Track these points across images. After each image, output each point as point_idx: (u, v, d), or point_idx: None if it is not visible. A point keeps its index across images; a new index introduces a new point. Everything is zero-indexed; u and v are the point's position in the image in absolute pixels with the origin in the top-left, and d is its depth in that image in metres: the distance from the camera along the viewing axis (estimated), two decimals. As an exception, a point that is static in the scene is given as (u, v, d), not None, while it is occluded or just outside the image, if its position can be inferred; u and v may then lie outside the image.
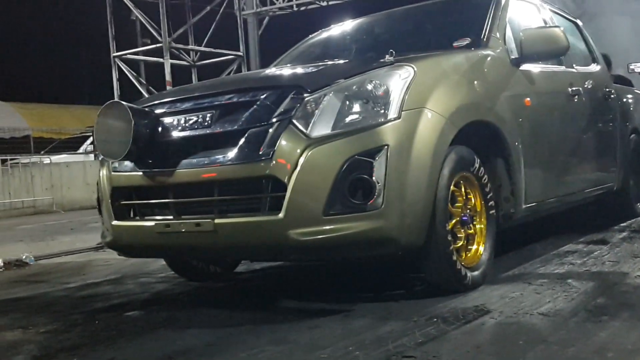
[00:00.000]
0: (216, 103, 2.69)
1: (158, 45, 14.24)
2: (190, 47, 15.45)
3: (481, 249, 2.89)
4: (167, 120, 2.77)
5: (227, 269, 3.67)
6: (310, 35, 4.56)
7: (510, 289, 2.76)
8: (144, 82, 15.20)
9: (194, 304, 3.09)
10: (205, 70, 15.56)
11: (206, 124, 2.65)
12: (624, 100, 4.97)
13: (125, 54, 15.00)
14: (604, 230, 4.30)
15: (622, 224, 4.55)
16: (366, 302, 2.71)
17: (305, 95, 2.50)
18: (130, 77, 14.86)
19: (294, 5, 17.37)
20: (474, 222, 2.90)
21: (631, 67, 3.91)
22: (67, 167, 12.90)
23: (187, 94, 2.89)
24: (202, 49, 15.34)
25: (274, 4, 17.50)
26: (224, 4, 15.52)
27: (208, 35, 15.45)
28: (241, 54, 15.34)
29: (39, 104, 20.94)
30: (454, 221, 2.75)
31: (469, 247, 2.87)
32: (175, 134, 2.71)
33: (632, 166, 4.89)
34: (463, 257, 2.80)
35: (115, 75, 14.71)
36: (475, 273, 2.80)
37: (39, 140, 16.87)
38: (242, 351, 2.16)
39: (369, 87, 2.51)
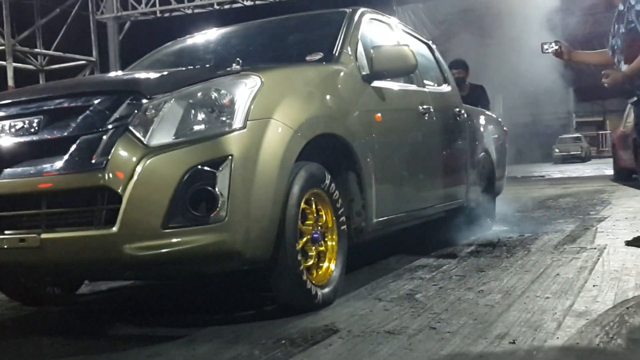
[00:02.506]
0: (45, 108, 2.51)
1: (0, 47, 13.34)
2: (37, 50, 14.60)
3: (332, 266, 2.93)
4: None
5: (67, 290, 3.44)
6: (165, 44, 4.49)
7: (361, 306, 2.81)
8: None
9: (24, 331, 2.87)
10: (55, 75, 14.76)
11: (33, 130, 2.47)
12: (475, 120, 5.32)
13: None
14: (454, 245, 4.55)
15: (471, 238, 4.84)
16: (215, 325, 2.65)
17: (144, 101, 2.41)
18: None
19: (157, 11, 16.97)
20: (325, 239, 2.93)
21: (545, 47, 4.13)
22: None
23: (13, 97, 2.70)
24: (49, 52, 14.55)
25: (136, 8, 17.00)
26: (77, 6, 14.86)
27: (58, 39, 14.70)
28: (94, 59, 14.73)
29: None
30: (304, 239, 2.76)
31: (320, 264, 2.89)
32: (1, 141, 2.52)
33: (482, 183, 5.25)
34: (314, 275, 2.81)
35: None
36: (326, 290, 2.82)
37: None
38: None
39: (214, 95, 2.46)
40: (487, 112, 6.04)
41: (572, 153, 29.42)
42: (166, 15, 17.00)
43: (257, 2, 15.68)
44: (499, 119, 6.30)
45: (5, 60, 13.47)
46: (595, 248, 4.10)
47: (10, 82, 12.95)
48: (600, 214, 6.19)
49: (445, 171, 4.45)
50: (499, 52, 8.80)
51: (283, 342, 2.33)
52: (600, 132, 37.05)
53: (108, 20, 16.77)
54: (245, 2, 15.75)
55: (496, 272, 3.47)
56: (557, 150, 29.82)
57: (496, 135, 5.84)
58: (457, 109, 4.83)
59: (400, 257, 4.11)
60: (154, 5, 16.75)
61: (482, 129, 5.44)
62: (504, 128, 6.29)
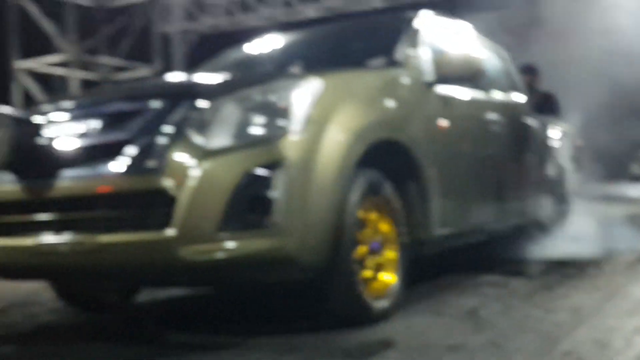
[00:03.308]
0: (104, 111, 2.62)
1: (65, 56, 13.93)
2: (101, 60, 15.17)
3: (391, 278, 2.90)
4: (51, 129, 2.68)
5: (123, 297, 3.55)
6: (226, 50, 4.58)
7: (421, 321, 2.79)
8: (50, 95, 14.77)
9: (79, 337, 2.97)
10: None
11: (93, 133, 2.57)
12: (546, 132, 5.20)
13: (30, 65, 14.60)
14: (522, 262, 4.42)
15: (541, 256, 4.70)
16: (268, 335, 2.68)
17: (201, 104, 2.46)
18: (32, 90, 14.45)
19: (222, 24, 17.35)
20: (385, 250, 2.91)
21: None
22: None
23: (73, 101, 2.81)
24: (113, 62, 15.10)
25: (201, 21, 17.43)
26: (141, 17, 15.37)
27: (122, 49, 15.23)
28: (157, 69, 15.18)
29: None
30: (362, 249, 2.75)
31: (379, 276, 2.88)
32: (59, 143, 2.61)
33: (552, 199, 5.12)
34: (372, 287, 2.80)
35: (16, 87, 14.27)
36: (384, 303, 2.80)
37: None
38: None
39: (271, 97, 2.50)
40: (560, 123, 5.89)
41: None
42: (231, 28, 17.35)
43: (322, 14, 15.84)
44: (574, 131, 6.13)
45: (70, 69, 14.08)
46: (672, 268, 3.95)
47: (76, 91, 13.49)
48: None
49: (513, 185, 4.35)
50: (575, 60, 8.59)
51: (337, 353, 2.33)
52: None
53: (173, 32, 17.27)
54: (310, 14, 15.94)
55: (565, 290, 3.39)
56: (636, 167, 28.73)
57: (569, 148, 5.69)
58: (528, 119, 4.74)
59: (465, 273, 4.05)
60: (218, 18, 17.15)
61: (554, 141, 5.32)
62: (578, 141, 6.12)
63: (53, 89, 15.39)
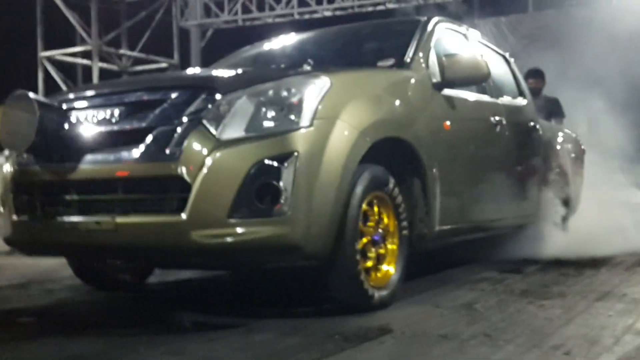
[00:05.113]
0: (126, 100, 2.71)
1: (87, 47, 14.10)
2: (121, 51, 15.33)
3: (391, 269, 2.98)
4: (75, 115, 2.77)
5: (137, 278, 3.65)
6: (243, 48, 4.67)
7: (418, 311, 2.86)
8: (72, 85, 14.95)
9: (94, 313, 3.07)
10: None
11: (114, 120, 2.66)
12: (550, 136, 5.24)
13: (54, 55, 14.78)
14: (521, 261, 4.47)
15: (540, 255, 4.75)
16: (272, 318, 2.76)
17: (217, 97, 2.55)
18: (57, 79, 14.62)
19: (239, 20, 17.44)
20: (386, 242, 2.99)
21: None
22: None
23: (96, 89, 2.91)
24: (133, 54, 15.25)
25: (219, 16, 17.53)
26: (161, 11, 15.51)
27: (142, 42, 15.38)
28: (175, 62, 15.31)
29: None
30: (364, 240, 2.83)
31: (379, 266, 2.96)
32: (82, 129, 2.71)
33: (554, 201, 5.15)
34: (372, 277, 2.88)
35: (41, 76, 14.46)
36: (384, 293, 2.88)
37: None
38: (134, 360, 2.17)
39: (284, 93, 2.58)
40: (564, 129, 5.94)
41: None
42: (247, 24, 17.44)
43: (336, 13, 15.89)
44: (577, 137, 6.17)
45: (91, 59, 14.26)
46: (669, 272, 3.98)
47: (96, 81, 13.64)
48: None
49: (515, 186, 4.41)
50: (581, 68, 8.61)
51: (336, 336, 2.41)
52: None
53: (191, 27, 17.37)
54: (325, 13, 16.00)
55: (561, 288, 3.43)
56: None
57: (572, 153, 5.73)
58: (532, 123, 4.79)
59: (464, 269, 4.11)
60: (236, 13, 17.22)
61: (557, 146, 5.36)
62: (582, 146, 6.15)
63: (75, 78, 15.59)
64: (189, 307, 3.09)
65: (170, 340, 2.43)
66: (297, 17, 16.52)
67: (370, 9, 15.22)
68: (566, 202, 5.47)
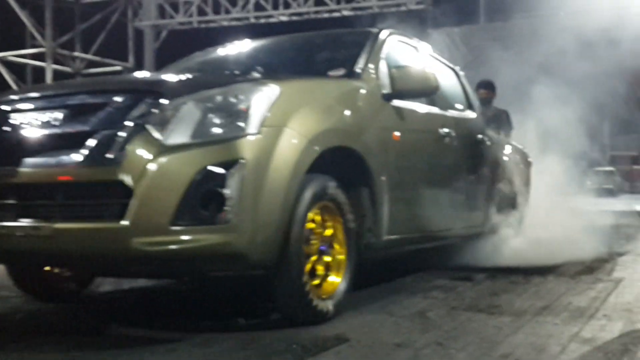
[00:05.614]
0: (68, 103, 2.62)
1: (42, 49, 13.80)
2: (75, 54, 15.05)
3: (339, 279, 2.95)
4: (15, 117, 2.68)
5: (82, 285, 3.53)
6: (196, 53, 4.62)
7: (372, 320, 2.88)
8: (22, 85, 14.61)
9: (30, 327, 2.94)
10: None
11: (56, 123, 2.58)
12: (498, 148, 5.32)
13: (7, 56, 14.43)
14: (472, 269, 4.50)
15: (489, 264, 4.79)
16: (232, 329, 2.73)
17: (163, 101, 2.49)
18: (9, 80, 14.26)
19: (194, 22, 17.31)
20: (333, 252, 2.96)
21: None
22: None
23: (39, 91, 2.82)
24: (87, 56, 14.99)
25: (173, 17, 17.36)
26: (116, 13, 15.29)
27: (97, 44, 15.14)
28: (130, 65, 15.10)
29: None
30: (311, 249, 2.80)
31: (327, 277, 2.93)
32: (22, 132, 2.62)
33: (502, 211, 5.24)
34: (318, 287, 2.85)
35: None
36: (329, 303, 2.84)
37: None
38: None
39: (231, 99, 2.54)
40: (511, 142, 6.04)
41: (604, 187, 28.98)
42: (202, 26, 17.33)
43: (292, 18, 15.93)
44: (524, 149, 6.29)
45: (45, 61, 13.95)
46: (612, 280, 4.07)
47: (49, 83, 13.37)
48: (623, 248, 6.10)
49: (464, 196, 4.45)
50: (532, 78, 8.82)
51: (294, 346, 2.40)
52: (635, 166, 36.22)
53: (145, 28, 17.13)
54: (281, 17, 16.01)
55: (510, 296, 3.48)
56: (589, 182, 29.29)
57: (520, 165, 5.84)
58: (480, 136, 4.85)
59: (417, 277, 4.14)
60: (191, 15, 17.10)
61: (505, 157, 5.45)
62: (529, 158, 6.27)
63: (27, 80, 15.23)
64: (145, 317, 3.03)
65: (128, 352, 2.38)
66: (253, 20, 16.50)
67: (326, 15, 15.33)
68: (514, 213, 5.56)
